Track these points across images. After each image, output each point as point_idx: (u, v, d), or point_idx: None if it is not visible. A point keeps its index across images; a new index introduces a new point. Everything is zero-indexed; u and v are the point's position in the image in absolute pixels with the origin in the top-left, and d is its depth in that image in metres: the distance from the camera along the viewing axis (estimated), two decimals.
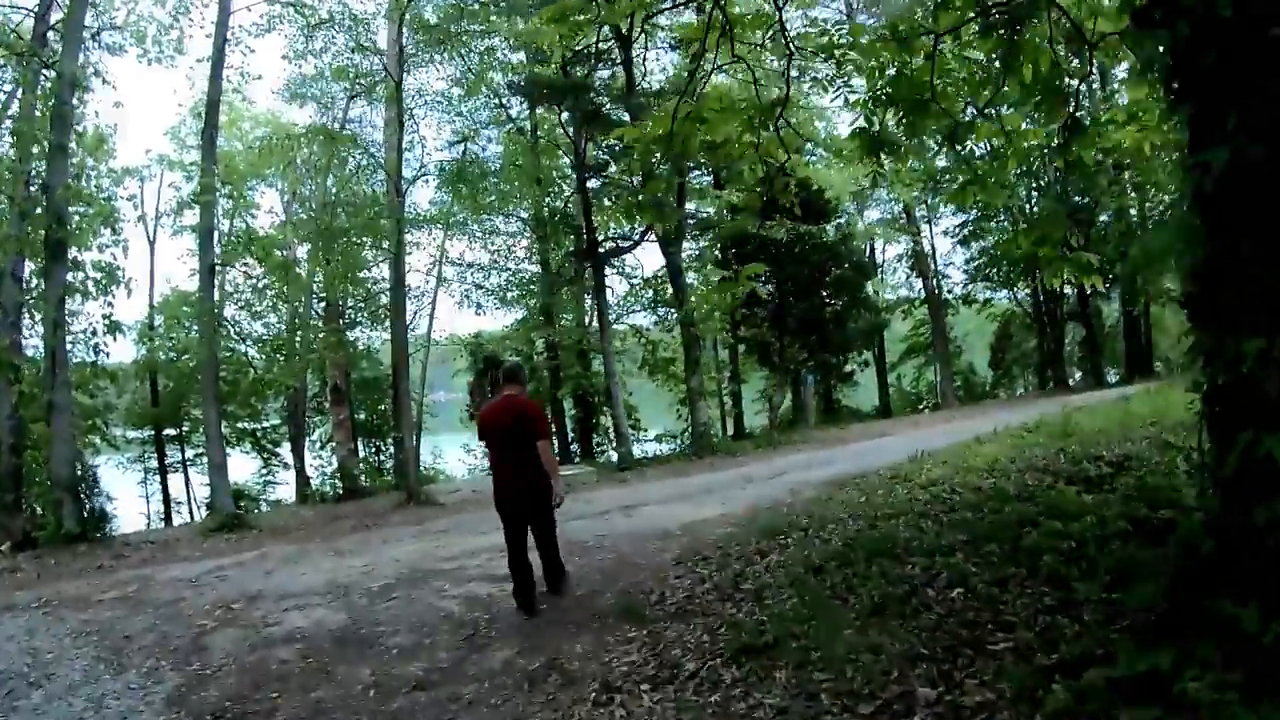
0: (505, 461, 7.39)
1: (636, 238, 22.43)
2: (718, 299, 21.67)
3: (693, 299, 22.26)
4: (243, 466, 29.14)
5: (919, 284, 36.95)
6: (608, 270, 25.27)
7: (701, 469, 18.30)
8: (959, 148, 8.92)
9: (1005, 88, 7.85)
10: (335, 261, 19.53)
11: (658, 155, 7.79)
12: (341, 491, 22.27)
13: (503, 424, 7.34)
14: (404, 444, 18.94)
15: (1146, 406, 12.80)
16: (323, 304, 25.44)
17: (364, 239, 19.54)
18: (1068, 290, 36.66)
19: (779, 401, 26.61)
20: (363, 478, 24.17)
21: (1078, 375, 37.35)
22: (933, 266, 35.92)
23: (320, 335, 23.94)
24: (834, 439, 22.44)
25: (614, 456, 26.47)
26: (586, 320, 29.71)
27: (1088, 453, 10.23)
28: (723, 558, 8.40)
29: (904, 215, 34.53)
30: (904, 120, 8.27)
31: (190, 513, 27.61)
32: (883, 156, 8.71)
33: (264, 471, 29.78)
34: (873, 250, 36.14)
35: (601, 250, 21.46)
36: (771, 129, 7.79)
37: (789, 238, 21.14)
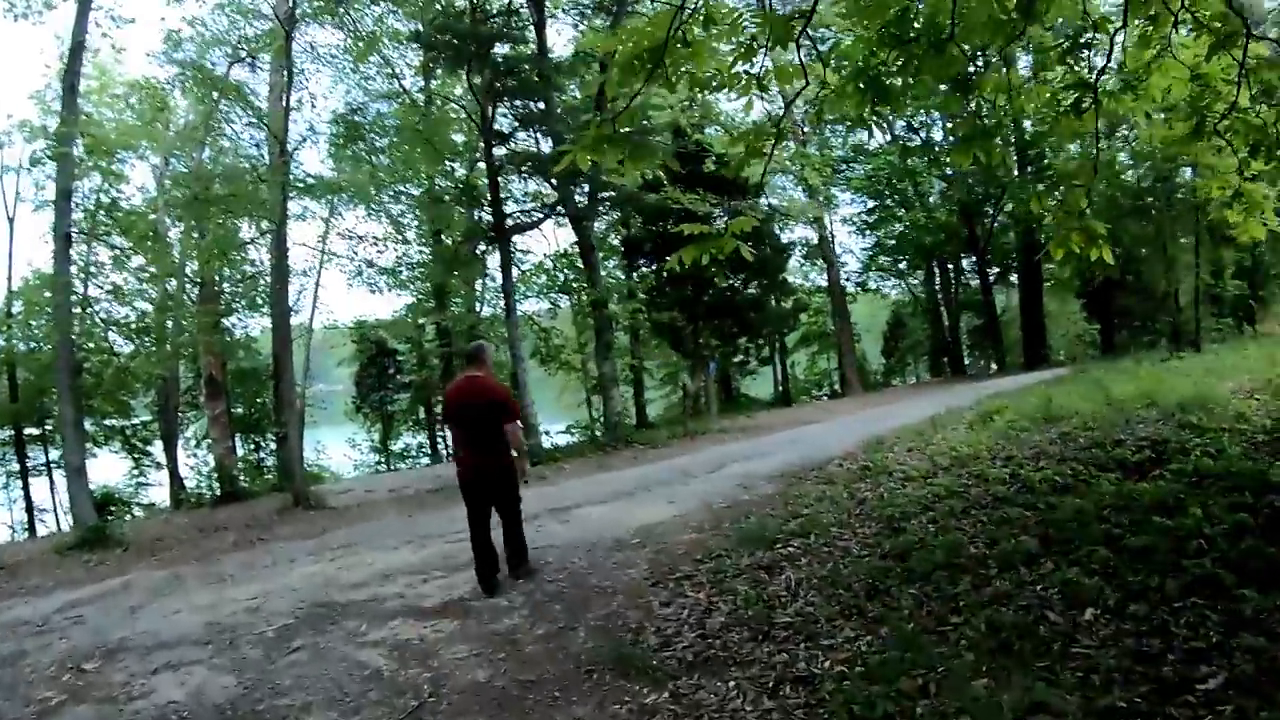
0: (471, 443, 7.14)
1: (545, 212, 20.07)
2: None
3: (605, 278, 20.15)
4: (113, 467, 26.02)
5: (813, 272, 36.01)
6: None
7: (624, 462, 16.30)
8: (967, 99, 7.24)
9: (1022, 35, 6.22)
10: (211, 235, 16.79)
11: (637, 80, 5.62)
12: (219, 494, 19.23)
13: (469, 405, 7.13)
14: (289, 440, 16.47)
15: (1131, 388, 11.48)
16: (197, 287, 22.15)
17: (242, 212, 16.65)
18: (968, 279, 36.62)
19: (694, 389, 24.62)
20: (242, 478, 21.37)
21: (966, 363, 36.98)
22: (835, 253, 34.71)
23: (192, 318, 20.81)
24: (751, 427, 20.67)
25: None
26: (478, 305, 27.66)
27: (1105, 438, 8.72)
28: (714, 576, 6.60)
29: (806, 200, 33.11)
30: (912, 63, 6.47)
31: (56, 520, 24.19)
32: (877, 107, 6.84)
33: (135, 473, 26.43)
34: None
35: (509, 224, 18.91)
36: (794, 48, 5.84)
37: (711, 214, 19.36)
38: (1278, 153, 7.09)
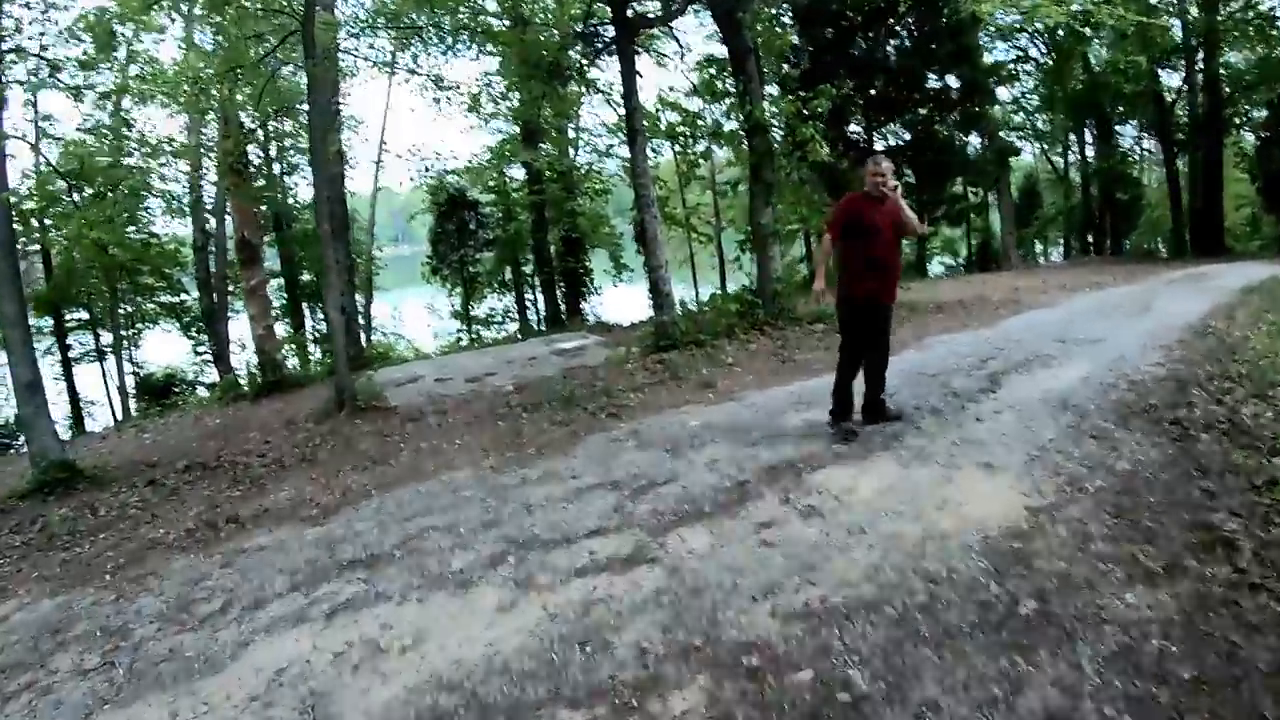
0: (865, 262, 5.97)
1: (681, 3, 13.04)
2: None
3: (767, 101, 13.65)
4: (173, 346, 22.52)
5: None
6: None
7: (806, 351, 10.57)
8: None
9: None
10: (231, 44, 11.24)
11: None
12: (262, 385, 14.01)
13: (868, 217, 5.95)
14: (329, 319, 11.54)
15: None
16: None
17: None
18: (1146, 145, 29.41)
19: None
20: (290, 362, 16.62)
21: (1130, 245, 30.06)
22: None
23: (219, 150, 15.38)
24: (927, 305, 13.99)
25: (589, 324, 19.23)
26: (571, 151, 22.41)
27: None
28: None
29: None
30: None
31: (111, 410, 20.52)
32: None
33: (198, 352, 22.06)
34: None
35: (631, 16, 12.17)
36: None
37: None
38: None
